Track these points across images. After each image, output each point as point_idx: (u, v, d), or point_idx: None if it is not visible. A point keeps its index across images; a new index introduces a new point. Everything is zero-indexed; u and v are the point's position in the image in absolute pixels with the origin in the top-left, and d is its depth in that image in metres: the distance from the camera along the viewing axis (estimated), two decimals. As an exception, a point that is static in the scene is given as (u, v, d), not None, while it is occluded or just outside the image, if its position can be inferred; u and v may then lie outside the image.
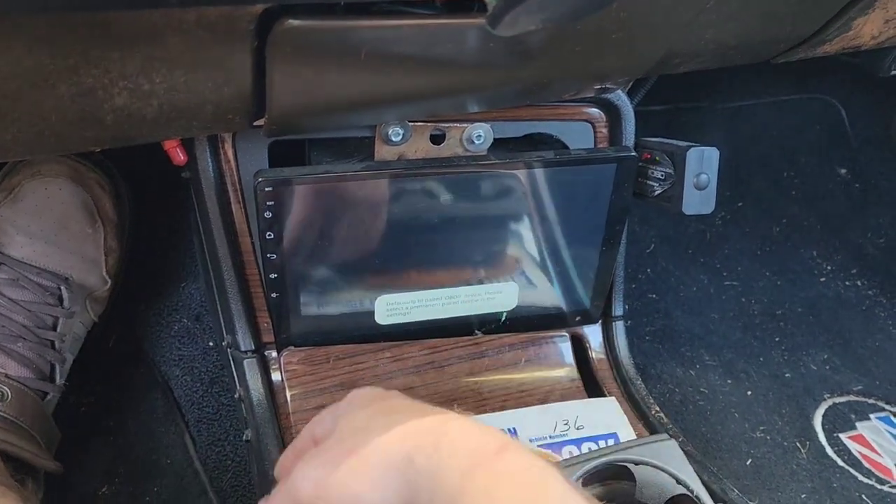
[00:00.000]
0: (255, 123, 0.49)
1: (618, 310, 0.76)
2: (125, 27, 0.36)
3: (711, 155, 0.65)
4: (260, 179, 0.57)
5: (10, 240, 0.68)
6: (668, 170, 0.67)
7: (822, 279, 1.10)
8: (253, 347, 0.66)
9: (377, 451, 0.39)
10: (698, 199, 0.65)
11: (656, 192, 0.68)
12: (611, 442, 0.66)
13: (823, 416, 0.90)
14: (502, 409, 0.69)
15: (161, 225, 0.93)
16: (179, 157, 0.61)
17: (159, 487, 0.76)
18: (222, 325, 0.69)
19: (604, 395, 0.73)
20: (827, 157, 1.24)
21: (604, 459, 0.55)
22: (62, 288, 0.69)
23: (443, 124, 0.62)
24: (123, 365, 0.85)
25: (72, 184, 0.72)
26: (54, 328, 0.68)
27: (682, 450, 0.57)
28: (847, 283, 1.10)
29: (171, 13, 0.36)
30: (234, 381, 0.69)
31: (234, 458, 0.79)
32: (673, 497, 0.54)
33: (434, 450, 0.37)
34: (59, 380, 0.68)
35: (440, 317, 0.69)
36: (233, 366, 0.69)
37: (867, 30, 0.63)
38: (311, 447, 0.45)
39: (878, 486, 0.82)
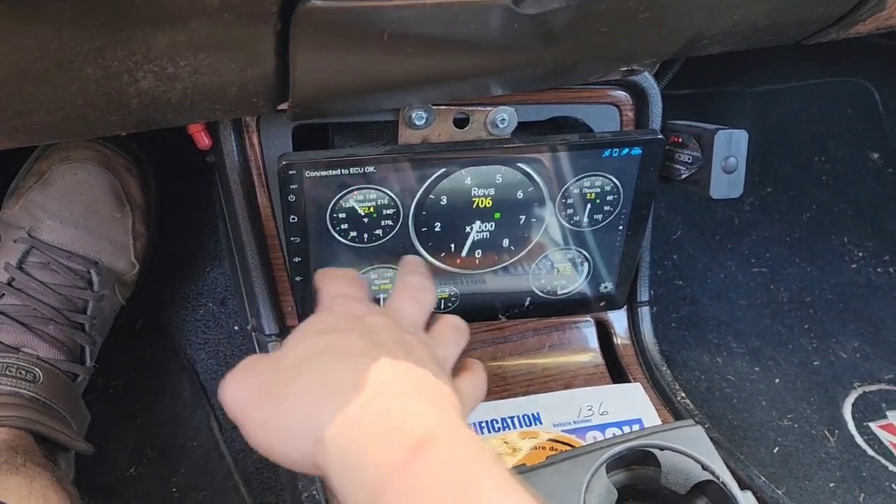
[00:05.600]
0: (278, 107, 0.49)
1: (643, 295, 0.76)
2: (149, 10, 0.36)
3: (740, 137, 0.64)
4: (284, 163, 0.57)
5: (40, 224, 0.69)
6: (695, 153, 0.66)
7: (853, 266, 1.08)
8: (277, 331, 0.67)
9: (294, 419, 0.38)
10: (726, 182, 0.64)
11: (683, 176, 0.67)
12: (635, 427, 0.66)
13: (853, 404, 0.89)
14: (526, 393, 0.68)
15: (186, 210, 0.94)
16: (204, 141, 0.62)
17: (186, 469, 0.77)
18: (247, 308, 0.69)
19: (629, 381, 0.73)
20: (859, 141, 1.21)
21: (629, 444, 0.55)
22: (92, 272, 0.70)
23: (466, 108, 0.62)
24: (150, 348, 0.86)
25: (100, 168, 0.73)
26: (84, 311, 0.69)
27: (709, 436, 0.56)
28: (879, 269, 1.08)
29: (195, -5, 0.36)
30: (260, 365, 0.70)
31: (259, 441, 0.80)
32: (698, 483, 0.54)
33: (345, 453, 0.36)
34: (88, 362, 0.70)
35: (464, 301, 0.69)
36: (257, 349, 0.69)
37: (903, 9, 0.62)
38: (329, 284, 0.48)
39: (909, 476, 0.81)
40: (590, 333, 0.75)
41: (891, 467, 0.82)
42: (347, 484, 0.36)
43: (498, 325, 0.71)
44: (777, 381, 0.90)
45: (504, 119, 0.63)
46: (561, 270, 0.70)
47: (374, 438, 0.35)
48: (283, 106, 0.49)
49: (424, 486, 0.33)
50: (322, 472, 0.38)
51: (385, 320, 0.44)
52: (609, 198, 0.66)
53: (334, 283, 0.49)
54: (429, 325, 0.49)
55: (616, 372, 0.74)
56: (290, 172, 0.57)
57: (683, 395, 0.72)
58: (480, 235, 0.65)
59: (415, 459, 0.34)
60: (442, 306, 0.69)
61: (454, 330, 0.49)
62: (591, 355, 0.74)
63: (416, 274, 0.51)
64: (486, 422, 0.65)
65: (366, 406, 0.36)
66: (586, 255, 0.69)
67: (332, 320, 0.44)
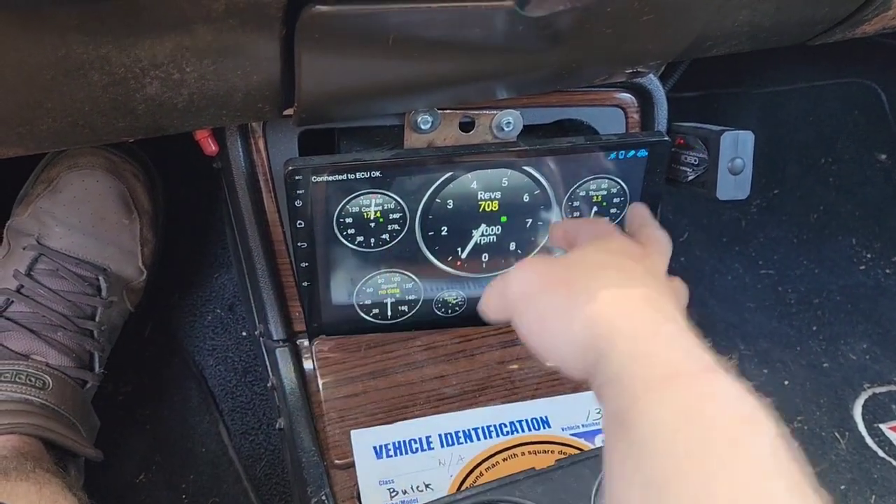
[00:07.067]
0: (284, 113, 0.49)
1: (650, 298, 0.75)
2: (155, 16, 0.36)
3: (746, 139, 0.64)
4: (290, 168, 0.57)
5: (49, 231, 0.69)
6: (701, 155, 0.65)
7: (862, 267, 1.08)
8: (285, 336, 0.67)
9: (586, 309, 0.39)
10: (733, 184, 0.64)
11: (690, 178, 0.67)
12: (644, 431, 0.66)
13: (863, 406, 0.88)
14: (534, 397, 0.68)
15: (193, 216, 0.95)
16: (211, 147, 0.62)
17: (195, 475, 0.77)
18: (255, 314, 0.69)
19: (637, 384, 0.73)
20: (866, 142, 1.21)
21: (637, 447, 0.54)
22: (100, 278, 0.70)
23: (472, 111, 0.62)
24: (159, 355, 0.86)
25: (108, 175, 0.73)
26: (93, 318, 0.69)
27: (717, 438, 0.56)
28: (887, 270, 1.07)
29: (200, 1, 0.36)
30: (267, 370, 0.70)
31: (267, 447, 0.80)
32: (708, 485, 0.54)
33: (630, 357, 0.37)
34: (97, 368, 0.70)
35: (471, 305, 0.69)
36: (265, 355, 0.69)
37: (908, 8, 0.61)
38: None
39: (921, 478, 0.80)
40: (597, 336, 0.74)
41: (902, 469, 0.81)
42: (625, 379, 0.36)
43: (506, 329, 0.71)
44: (786, 382, 0.90)
45: (509, 122, 0.63)
46: (568, 273, 0.70)
47: (670, 349, 0.37)
48: (289, 111, 0.49)
49: (708, 400, 0.34)
50: (587, 375, 0.39)
51: (648, 265, 0.46)
52: (615, 200, 0.66)
53: (585, 228, 0.54)
54: None
55: (624, 375, 0.74)
56: (297, 178, 0.58)
57: (692, 397, 0.71)
58: (487, 239, 0.65)
59: (704, 377, 0.35)
60: (449, 310, 0.69)
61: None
62: (598, 358, 0.74)
63: (656, 227, 0.54)
64: (495, 426, 0.64)
65: (659, 327, 0.38)
66: (593, 257, 0.69)
67: (618, 245, 0.48)
